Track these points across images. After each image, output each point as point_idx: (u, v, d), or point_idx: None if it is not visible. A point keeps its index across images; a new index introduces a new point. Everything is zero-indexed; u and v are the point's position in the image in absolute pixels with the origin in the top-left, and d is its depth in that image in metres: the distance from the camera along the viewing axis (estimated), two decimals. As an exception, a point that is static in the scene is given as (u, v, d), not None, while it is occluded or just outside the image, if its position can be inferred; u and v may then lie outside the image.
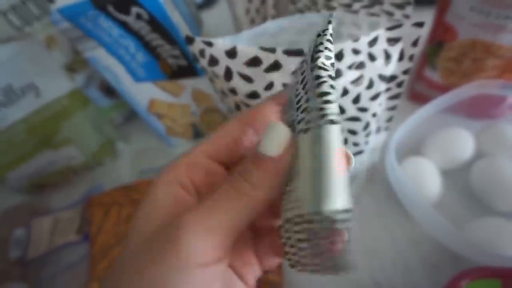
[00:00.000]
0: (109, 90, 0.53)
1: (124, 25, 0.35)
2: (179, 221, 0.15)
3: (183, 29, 0.37)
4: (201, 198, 0.18)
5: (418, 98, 0.47)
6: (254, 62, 0.26)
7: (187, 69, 0.40)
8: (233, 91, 0.29)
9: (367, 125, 0.31)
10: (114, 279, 0.16)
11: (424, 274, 0.34)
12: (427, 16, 0.41)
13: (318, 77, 0.15)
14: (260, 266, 0.20)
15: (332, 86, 0.15)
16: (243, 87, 0.28)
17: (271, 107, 0.19)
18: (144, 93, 0.43)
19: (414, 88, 0.48)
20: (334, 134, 0.14)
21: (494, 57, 0.38)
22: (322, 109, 0.14)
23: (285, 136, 0.16)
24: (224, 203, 0.16)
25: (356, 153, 0.33)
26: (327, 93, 0.15)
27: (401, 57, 0.27)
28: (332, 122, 0.14)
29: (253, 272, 0.19)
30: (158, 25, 0.35)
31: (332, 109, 0.14)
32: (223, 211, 0.16)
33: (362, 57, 0.26)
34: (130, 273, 0.15)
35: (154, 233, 0.16)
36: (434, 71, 0.43)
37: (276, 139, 0.16)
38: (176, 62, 0.39)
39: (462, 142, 0.39)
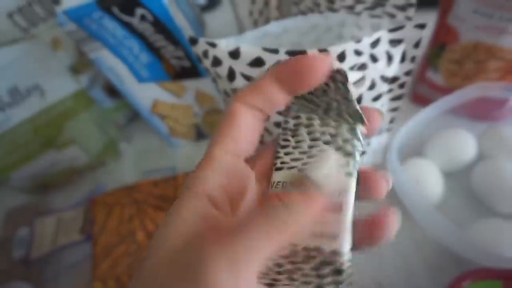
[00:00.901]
0: (112, 91, 0.54)
1: (128, 26, 0.35)
2: (204, 253, 0.14)
3: (187, 31, 0.37)
4: (231, 210, 0.18)
5: (421, 100, 0.47)
6: (257, 62, 0.26)
7: (190, 70, 0.40)
8: (236, 92, 0.29)
9: (369, 126, 0.31)
10: None
11: (426, 275, 0.34)
12: (430, 18, 0.42)
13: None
14: None
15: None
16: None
17: (271, 84, 0.18)
18: (147, 93, 0.44)
19: (417, 90, 0.48)
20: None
21: (496, 59, 0.38)
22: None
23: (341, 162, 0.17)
24: (260, 242, 0.14)
25: (358, 154, 0.34)
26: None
27: (403, 59, 0.28)
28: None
29: None
30: (162, 26, 0.35)
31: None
32: (256, 250, 0.14)
33: (364, 58, 0.26)
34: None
35: (179, 253, 0.15)
36: (437, 73, 0.44)
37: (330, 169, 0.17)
38: (179, 63, 0.40)
39: (464, 144, 0.39)
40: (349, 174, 0.18)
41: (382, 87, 0.28)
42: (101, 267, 0.40)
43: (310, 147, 0.20)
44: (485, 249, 0.29)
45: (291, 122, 0.21)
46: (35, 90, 0.42)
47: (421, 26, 0.25)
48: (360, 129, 0.19)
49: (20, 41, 0.41)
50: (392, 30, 0.25)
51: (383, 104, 0.30)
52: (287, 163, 0.20)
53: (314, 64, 0.17)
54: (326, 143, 0.19)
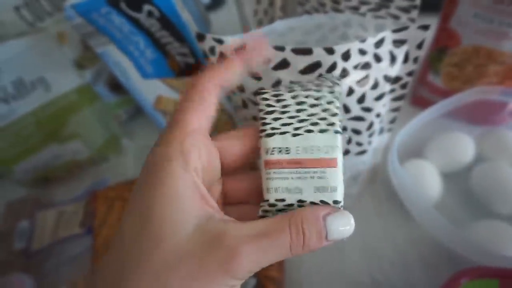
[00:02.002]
0: (115, 87, 0.54)
1: (135, 22, 0.36)
2: (237, 250, 0.16)
3: (192, 28, 0.37)
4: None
5: (421, 102, 0.48)
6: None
7: (195, 67, 0.41)
8: (241, 89, 0.29)
9: (370, 125, 0.31)
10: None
11: (423, 273, 0.35)
12: (431, 22, 0.42)
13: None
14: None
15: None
16: (251, 85, 0.28)
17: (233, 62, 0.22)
18: (151, 89, 0.44)
19: (417, 92, 0.48)
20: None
21: (496, 63, 0.39)
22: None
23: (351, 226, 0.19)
24: (274, 255, 0.17)
25: (359, 153, 0.34)
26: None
27: (406, 59, 0.28)
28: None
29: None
30: (169, 22, 0.35)
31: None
32: (270, 256, 0.17)
33: (368, 58, 0.26)
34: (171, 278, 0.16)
35: (198, 245, 0.16)
36: (437, 76, 0.44)
37: (345, 228, 0.18)
38: (184, 59, 0.40)
39: (463, 146, 0.40)
40: (337, 132, 0.20)
41: (385, 86, 0.29)
42: (102, 259, 0.40)
43: (298, 111, 0.21)
44: (482, 247, 0.29)
45: (271, 91, 0.22)
46: (40, 83, 0.43)
47: (425, 28, 0.26)
48: (338, 90, 0.21)
49: (26, 34, 0.41)
50: (396, 31, 0.26)
51: (385, 104, 0.31)
52: (277, 128, 0.21)
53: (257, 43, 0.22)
54: (312, 106, 0.21)
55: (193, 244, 0.16)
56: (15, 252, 0.43)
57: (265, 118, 0.21)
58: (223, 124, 0.51)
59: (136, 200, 0.18)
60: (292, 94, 0.21)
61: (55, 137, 0.47)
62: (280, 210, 0.20)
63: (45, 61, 0.43)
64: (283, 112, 0.21)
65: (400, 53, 0.27)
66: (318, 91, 0.21)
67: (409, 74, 0.29)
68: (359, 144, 0.33)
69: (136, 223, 0.17)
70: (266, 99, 0.22)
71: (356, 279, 0.36)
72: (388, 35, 0.26)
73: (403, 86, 0.30)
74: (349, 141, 0.32)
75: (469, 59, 0.40)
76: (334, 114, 0.20)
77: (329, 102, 0.21)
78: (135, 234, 0.17)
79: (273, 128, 0.21)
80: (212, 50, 0.28)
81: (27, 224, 0.46)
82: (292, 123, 0.21)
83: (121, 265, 0.16)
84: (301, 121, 0.20)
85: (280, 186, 0.20)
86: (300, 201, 0.20)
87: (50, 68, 0.43)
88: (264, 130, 0.21)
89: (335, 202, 0.19)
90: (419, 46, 0.27)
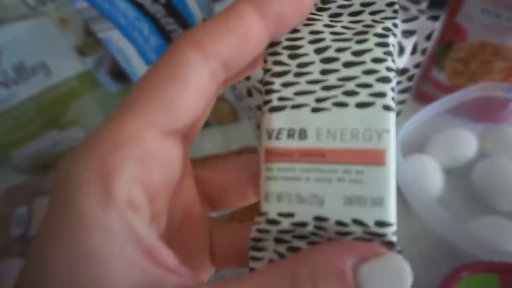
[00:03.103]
0: (117, 75, 0.53)
1: (140, 8, 0.35)
2: None
3: (198, 16, 0.37)
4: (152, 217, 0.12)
5: (424, 98, 0.48)
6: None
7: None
8: (247, 76, 0.29)
9: (376, 117, 0.31)
10: None
11: (422, 267, 0.35)
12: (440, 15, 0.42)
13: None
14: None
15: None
16: (257, 72, 0.28)
17: (248, 17, 0.12)
18: (154, 78, 0.44)
19: (421, 88, 0.48)
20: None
21: (502, 60, 0.39)
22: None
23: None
24: None
25: (363, 146, 0.34)
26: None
27: (414, 51, 0.28)
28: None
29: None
30: (174, 9, 0.35)
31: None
32: None
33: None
34: None
35: None
36: (441, 72, 0.44)
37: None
38: (188, 48, 0.40)
39: (466, 142, 0.40)
40: (388, 108, 0.12)
41: (392, 78, 0.29)
42: None
43: (324, 72, 0.13)
44: (483, 242, 0.29)
45: (284, 36, 0.14)
46: (41, 68, 0.42)
47: (435, 18, 0.25)
48: (393, 42, 0.13)
49: (28, 18, 0.41)
50: (405, 21, 0.26)
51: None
52: (289, 98, 0.13)
53: None
54: (348, 64, 0.13)
55: None
56: (12, 239, 0.43)
57: (271, 83, 0.13)
58: (224, 115, 0.50)
59: (26, 273, 0.10)
60: (317, 45, 0.13)
61: (55, 123, 0.46)
62: (285, 232, 0.12)
63: (47, 46, 0.42)
64: (300, 74, 0.13)
65: (408, 44, 0.27)
66: (359, 40, 0.13)
67: (417, 66, 0.29)
68: (363, 136, 0.33)
69: None
70: (276, 53, 0.13)
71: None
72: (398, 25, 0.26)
73: (410, 78, 0.30)
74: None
75: (474, 55, 0.40)
76: (385, 79, 0.12)
77: (377, 60, 0.13)
78: None
79: (282, 99, 0.13)
80: (218, 36, 0.28)
81: (24, 210, 0.46)
82: (314, 91, 0.13)
83: None
84: (329, 88, 0.13)
85: (288, 191, 0.12)
86: (319, 218, 0.12)
87: (51, 53, 0.43)
88: (269, 101, 0.13)
89: (380, 224, 0.12)
90: (428, 37, 0.27)
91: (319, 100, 0.13)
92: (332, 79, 0.13)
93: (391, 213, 0.12)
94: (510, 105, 0.41)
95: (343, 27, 0.13)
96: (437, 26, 0.27)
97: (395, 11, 0.14)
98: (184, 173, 0.13)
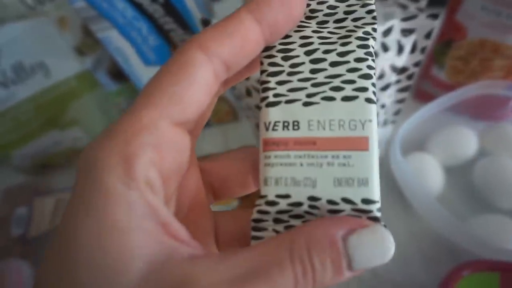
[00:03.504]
0: (116, 75, 0.53)
1: (138, 7, 0.35)
2: None
3: (196, 15, 0.37)
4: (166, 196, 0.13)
5: (424, 97, 0.48)
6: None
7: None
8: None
9: (375, 116, 0.31)
10: None
11: (423, 266, 0.35)
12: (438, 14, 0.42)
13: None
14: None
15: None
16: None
17: (246, 26, 0.13)
18: (153, 77, 0.44)
19: (420, 86, 0.48)
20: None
21: (502, 57, 0.38)
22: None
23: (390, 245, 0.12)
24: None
25: (363, 144, 0.34)
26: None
27: (413, 49, 0.28)
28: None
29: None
30: (172, 8, 0.35)
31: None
32: None
33: (376, 47, 0.26)
34: None
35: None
36: (441, 70, 0.44)
37: (377, 250, 0.12)
38: (187, 47, 0.40)
39: (466, 140, 0.40)
40: (370, 101, 0.14)
41: (391, 77, 0.29)
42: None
43: (313, 71, 0.15)
44: (484, 241, 0.29)
45: (278, 41, 0.16)
46: (40, 68, 0.42)
47: (434, 16, 0.25)
48: (372, 44, 0.15)
49: (27, 17, 0.41)
50: (405, 19, 0.26)
51: (391, 95, 0.31)
52: (283, 95, 0.15)
53: None
54: (334, 64, 0.15)
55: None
56: (12, 239, 0.43)
57: (267, 82, 0.15)
58: (223, 115, 0.50)
59: (58, 236, 0.12)
60: (307, 48, 0.15)
61: (54, 123, 0.46)
62: (282, 212, 0.14)
63: (45, 46, 0.42)
64: (293, 73, 0.15)
65: (407, 42, 0.27)
66: (343, 43, 0.15)
67: (416, 64, 0.29)
68: (362, 135, 0.33)
69: (56, 274, 0.11)
70: (271, 55, 0.15)
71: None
72: (396, 24, 0.26)
73: (409, 77, 0.30)
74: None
75: (474, 52, 0.40)
76: (366, 76, 0.14)
77: (359, 60, 0.15)
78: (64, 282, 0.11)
79: (277, 95, 0.15)
80: (217, 35, 0.28)
81: (25, 210, 0.46)
82: (304, 88, 0.15)
83: None
84: (318, 84, 0.15)
85: (284, 175, 0.14)
86: (312, 198, 0.14)
87: (50, 53, 0.43)
88: (266, 98, 0.15)
89: (366, 201, 0.13)
90: (427, 35, 0.27)
91: (309, 95, 0.14)
92: (320, 77, 0.15)
93: (375, 192, 0.14)
94: (510, 103, 0.41)
95: (329, 32, 0.15)
96: (436, 24, 0.26)
97: (374, 18, 0.15)
98: (191, 162, 0.15)
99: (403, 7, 0.30)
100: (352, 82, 0.14)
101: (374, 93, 0.14)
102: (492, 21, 0.36)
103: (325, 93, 0.14)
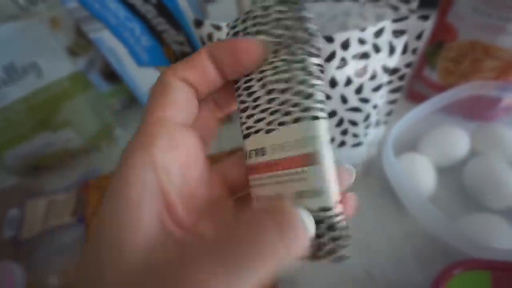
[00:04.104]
0: (109, 76, 0.53)
1: (131, 8, 0.35)
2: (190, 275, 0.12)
3: (189, 16, 0.37)
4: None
5: (416, 97, 0.48)
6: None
7: (191, 56, 0.40)
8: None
9: (367, 117, 0.31)
10: None
11: (416, 266, 0.35)
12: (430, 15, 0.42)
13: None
14: None
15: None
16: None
17: (205, 61, 0.17)
18: (146, 77, 0.44)
19: (413, 87, 0.49)
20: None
21: (492, 58, 0.39)
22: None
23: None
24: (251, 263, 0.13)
25: (355, 145, 0.34)
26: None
27: (405, 50, 0.28)
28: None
29: None
30: (165, 9, 0.35)
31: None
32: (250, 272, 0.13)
33: (367, 48, 0.26)
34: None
35: (142, 277, 0.13)
36: (433, 71, 0.44)
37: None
38: (181, 48, 0.39)
39: (457, 140, 0.40)
40: (315, 118, 0.16)
41: (383, 77, 0.29)
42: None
43: (269, 101, 0.17)
44: (475, 240, 0.29)
45: (242, 80, 0.18)
46: (32, 68, 0.42)
47: (425, 18, 0.26)
48: (313, 62, 0.16)
49: (19, 18, 0.40)
50: (396, 21, 0.26)
51: (383, 95, 0.31)
52: (252, 127, 0.17)
53: (249, 47, 0.17)
54: (283, 91, 0.16)
55: (135, 278, 0.13)
56: (5, 241, 0.43)
57: (240, 118, 0.18)
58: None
59: (103, 202, 0.15)
60: (262, 82, 0.17)
61: (47, 124, 0.46)
62: None
63: (38, 46, 0.42)
64: (255, 107, 0.17)
65: (399, 43, 0.27)
66: (285, 71, 0.16)
67: (408, 65, 0.29)
68: (355, 135, 0.33)
69: (95, 237, 0.14)
70: (240, 94, 0.18)
71: (351, 273, 0.36)
72: (388, 25, 0.26)
73: (401, 78, 0.30)
74: (345, 132, 0.32)
75: (465, 54, 0.40)
76: (308, 96, 0.16)
77: (301, 82, 0.16)
78: (95, 251, 0.14)
79: (248, 128, 0.18)
80: (209, 37, 0.28)
81: (17, 212, 0.46)
82: (264, 118, 0.17)
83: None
84: (274, 112, 0.17)
85: (261, 194, 0.17)
86: None
87: (43, 54, 0.42)
88: (242, 131, 0.18)
89: (323, 209, 0.15)
90: (419, 36, 0.27)
91: (269, 123, 0.17)
92: (274, 106, 0.17)
93: (331, 200, 0.15)
94: (501, 103, 0.41)
95: (281, 60, 0.17)
96: (427, 25, 0.27)
97: (310, 34, 0.17)
98: (204, 161, 0.18)
99: (395, 8, 0.30)
100: (298, 104, 0.16)
101: (320, 109, 0.16)
102: (482, 22, 0.36)
103: (280, 119, 0.16)
